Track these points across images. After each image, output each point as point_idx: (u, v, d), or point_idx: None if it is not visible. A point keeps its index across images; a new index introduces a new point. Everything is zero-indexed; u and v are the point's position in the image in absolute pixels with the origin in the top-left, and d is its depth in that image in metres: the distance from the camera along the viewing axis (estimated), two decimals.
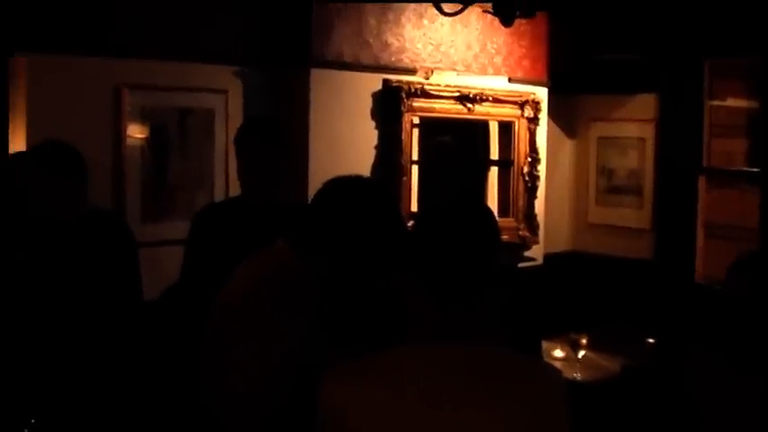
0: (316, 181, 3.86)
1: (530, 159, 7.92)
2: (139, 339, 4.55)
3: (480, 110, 7.48)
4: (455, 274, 2.27)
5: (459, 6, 5.77)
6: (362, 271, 2.94)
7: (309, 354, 2.79)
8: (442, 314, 2.28)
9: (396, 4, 6.97)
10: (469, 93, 7.34)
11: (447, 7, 6.07)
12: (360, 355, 2.31)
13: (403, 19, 7.04)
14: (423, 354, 2.24)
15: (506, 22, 5.57)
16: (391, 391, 2.19)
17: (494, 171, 8.09)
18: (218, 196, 6.39)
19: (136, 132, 6.25)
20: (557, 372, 2.46)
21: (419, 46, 7.14)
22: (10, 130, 6.20)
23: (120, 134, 6.17)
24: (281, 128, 4.87)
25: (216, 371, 2.96)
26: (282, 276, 2.96)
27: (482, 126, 7.91)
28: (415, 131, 7.16)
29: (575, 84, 8.62)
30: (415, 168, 7.16)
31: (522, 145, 7.90)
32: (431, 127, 7.30)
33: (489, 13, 5.71)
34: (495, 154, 8.07)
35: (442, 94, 7.20)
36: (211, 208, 5.39)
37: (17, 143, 6.14)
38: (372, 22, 6.88)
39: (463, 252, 2.27)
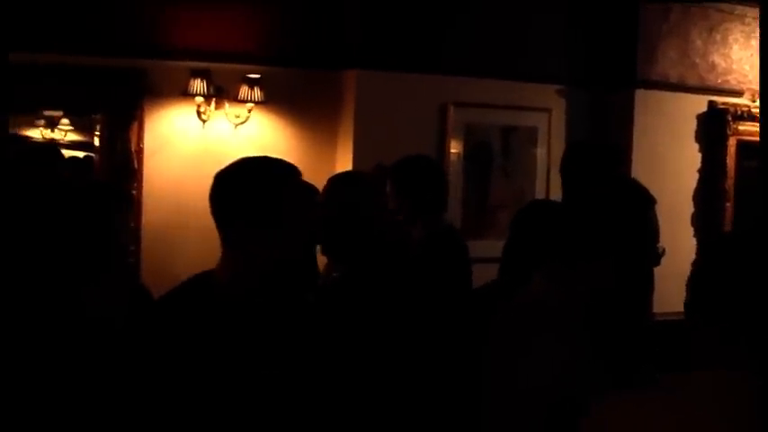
0: None
1: None
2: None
3: None
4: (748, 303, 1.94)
5: None
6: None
7: (570, 383, 2.59)
8: (724, 341, 1.95)
9: (723, 25, 6.58)
10: None
11: None
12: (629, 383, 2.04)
13: (730, 39, 6.62)
14: (707, 381, 1.92)
15: None
16: (675, 422, 1.87)
17: None
18: None
19: (459, 149, 6.12)
20: None
21: (746, 67, 6.69)
22: (337, 141, 6.23)
23: (443, 150, 6.05)
24: (581, 152, 4.61)
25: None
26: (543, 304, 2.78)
27: None
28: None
29: None
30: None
31: None
32: (746, 151, 6.84)
33: None
34: None
35: None
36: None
37: (344, 154, 6.16)
38: (699, 42, 6.50)
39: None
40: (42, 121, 6.64)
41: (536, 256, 3.00)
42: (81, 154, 6.80)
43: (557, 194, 5.88)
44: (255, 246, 2.36)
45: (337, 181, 3.90)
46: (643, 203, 4.51)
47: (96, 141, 6.20)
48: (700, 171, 6.51)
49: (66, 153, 6.84)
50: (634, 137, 6.26)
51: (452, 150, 6.08)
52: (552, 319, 2.76)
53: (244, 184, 2.38)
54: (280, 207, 2.36)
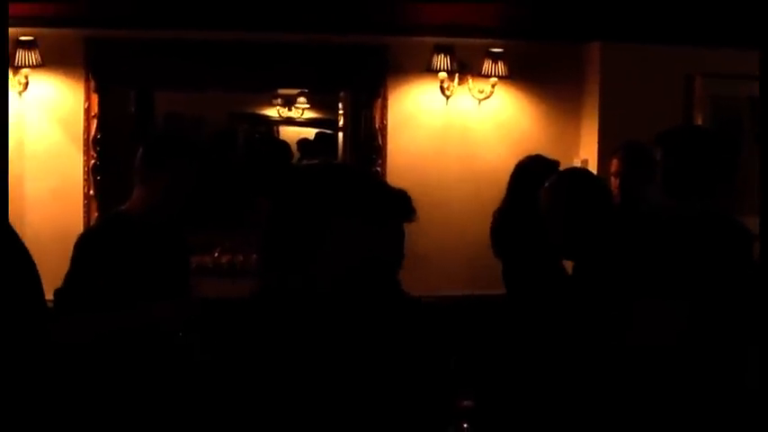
0: None
1: None
2: None
3: None
4: None
5: None
6: None
7: None
8: None
9: None
10: None
11: None
12: None
13: None
14: None
15: None
16: None
17: None
18: None
19: (706, 122, 5.87)
20: None
21: None
22: (581, 115, 6.06)
23: (690, 122, 5.81)
24: None
25: None
26: None
27: None
28: None
29: None
30: None
31: None
32: None
33: None
34: None
35: None
36: None
37: (588, 128, 5.98)
38: None
39: None
40: (279, 100, 6.66)
41: None
42: (312, 132, 6.80)
43: None
44: None
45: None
46: None
47: (340, 120, 6.16)
48: None
49: (300, 131, 6.87)
50: None
51: (701, 123, 5.83)
52: None
53: None
54: None
